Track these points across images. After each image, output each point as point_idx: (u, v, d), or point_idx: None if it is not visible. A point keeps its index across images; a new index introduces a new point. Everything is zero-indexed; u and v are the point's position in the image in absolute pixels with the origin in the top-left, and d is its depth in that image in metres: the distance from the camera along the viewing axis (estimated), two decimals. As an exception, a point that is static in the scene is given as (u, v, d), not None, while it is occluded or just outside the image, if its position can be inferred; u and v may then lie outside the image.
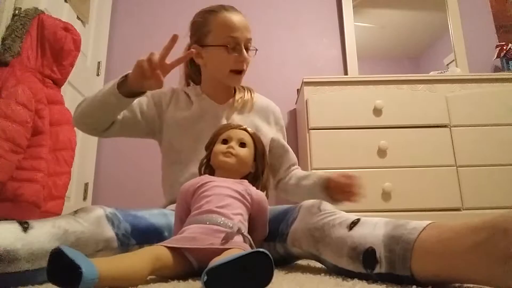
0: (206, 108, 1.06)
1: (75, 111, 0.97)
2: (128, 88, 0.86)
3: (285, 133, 1.17)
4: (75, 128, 1.49)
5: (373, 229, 0.57)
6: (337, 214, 0.66)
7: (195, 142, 0.99)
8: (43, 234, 0.59)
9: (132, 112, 1.00)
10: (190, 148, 0.99)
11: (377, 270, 0.53)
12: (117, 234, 0.70)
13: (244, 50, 1.01)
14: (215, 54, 1.03)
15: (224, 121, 1.03)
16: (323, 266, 0.72)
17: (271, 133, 1.08)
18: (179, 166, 0.99)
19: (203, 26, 1.04)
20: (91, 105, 0.91)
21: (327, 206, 0.70)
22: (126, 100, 0.88)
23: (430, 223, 0.52)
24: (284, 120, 1.19)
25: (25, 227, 0.59)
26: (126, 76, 0.86)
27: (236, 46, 1.01)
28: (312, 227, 0.66)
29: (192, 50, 0.92)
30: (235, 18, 1.02)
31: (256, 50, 1.06)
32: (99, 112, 0.91)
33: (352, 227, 0.60)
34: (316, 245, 0.65)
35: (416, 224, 0.53)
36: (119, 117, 0.97)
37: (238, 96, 1.10)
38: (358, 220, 0.61)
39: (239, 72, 1.03)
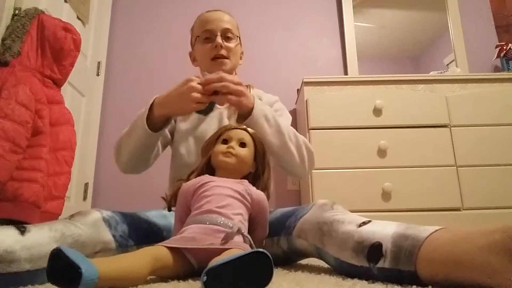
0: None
1: (120, 166, 1.01)
2: (155, 119, 0.87)
3: (288, 115, 1.12)
4: (75, 128, 1.50)
5: (383, 227, 0.57)
6: (349, 214, 0.67)
7: (199, 144, 1.00)
8: (40, 237, 0.60)
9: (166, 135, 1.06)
10: (195, 149, 1.00)
11: (380, 264, 0.53)
12: (114, 236, 0.71)
13: (218, 37, 1.04)
14: (196, 49, 1.10)
15: (226, 121, 1.03)
16: (324, 266, 0.72)
17: None
18: (185, 169, 1.00)
19: (191, 33, 1.15)
20: (132, 154, 0.94)
21: (339, 206, 0.71)
22: (156, 135, 0.90)
23: (444, 227, 0.53)
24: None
25: (22, 230, 0.59)
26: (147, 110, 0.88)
27: (210, 36, 1.06)
28: (321, 221, 0.67)
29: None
30: (209, 14, 1.09)
31: (238, 37, 1.10)
32: (143, 155, 0.96)
33: (362, 225, 0.60)
34: (321, 238, 0.65)
35: (429, 227, 0.54)
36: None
37: None
38: (369, 221, 0.62)
39: (219, 59, 1.05)
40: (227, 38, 1.06)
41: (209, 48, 1.04)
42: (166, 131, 1.05)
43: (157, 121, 0.88)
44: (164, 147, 1.08)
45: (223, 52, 1.04)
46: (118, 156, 0.99)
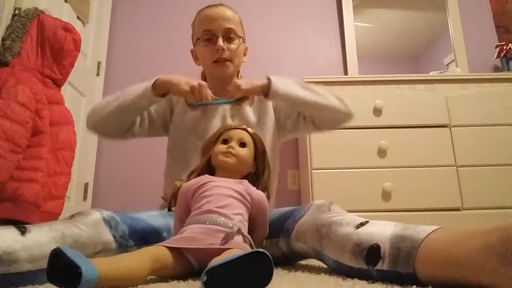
0: (211, 107, 1.06)
1: (92, 119, 1.01)
2: (156, 91, 0.92)
3: None
4: (75, 128, 1.49)
5: (381, 228, 0.57)
6: (346, 215, 0.67)
7: (200, 141, 0.99)
8: (41, 237, 0.60)
9: (147, 111, 1.05)
10: (195, 147, 0.99)
11: (379, 266, 0.53)
12: (114, 236, 0.71)
13: (220, 39, 1.00)
14: (197, 50, 1.07)
15: (229, 119, 1.03)
16: (323, 266, 0.72)
17: (271, 122, 1.07)
18: (183, 164, 0.99)
19: (192, 29, 1.11)
20: (117, 111, 0.95)
21: (337, 207, 0.71)
22: (156, 99, 0.93)
23: (442, 227, 0.52)
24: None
25: (22, 231, 0.59)
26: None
27: (211, 37, 1.02)
28: (319, 223, 0.67)
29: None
30: (210, 12, 1.04)
31: (241, 37, 1.06)
32: (125, 116, 0.97)
33: (360, 227, 0.60)
34: (320, 241, 0.65)
35: (427, 227, 0.53)
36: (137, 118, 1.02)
37: None
38: (367, 221, 0.61)
39: (221, 62, 1.03)
40: (229, 39, 1.03)
41: (210, 51, 1.02)
42: (154, 115, 1.06)
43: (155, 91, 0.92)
44: (149, 133, 1.08)
45: (225, 55, 1.01)
46: (95, 113, 1.01)
